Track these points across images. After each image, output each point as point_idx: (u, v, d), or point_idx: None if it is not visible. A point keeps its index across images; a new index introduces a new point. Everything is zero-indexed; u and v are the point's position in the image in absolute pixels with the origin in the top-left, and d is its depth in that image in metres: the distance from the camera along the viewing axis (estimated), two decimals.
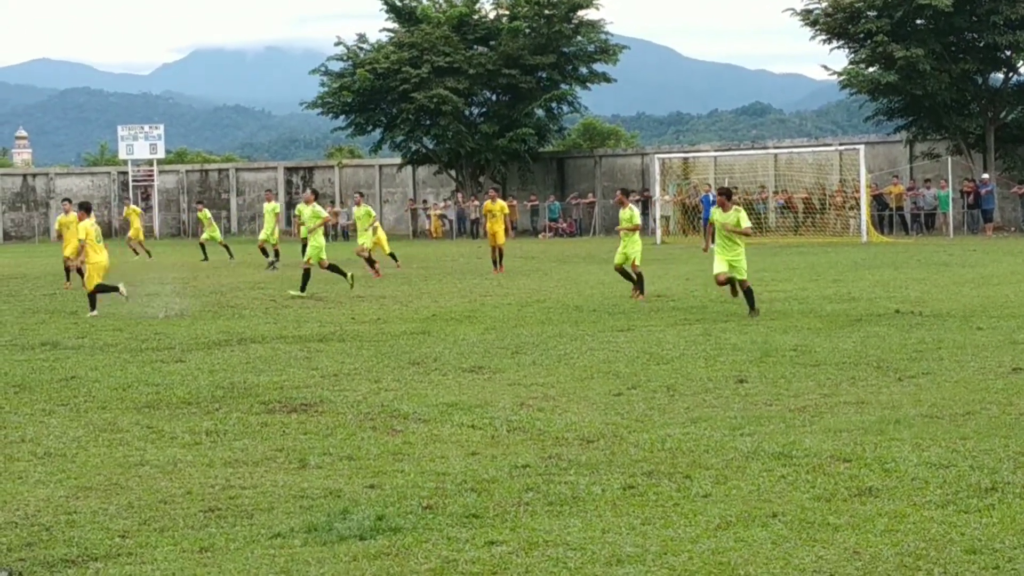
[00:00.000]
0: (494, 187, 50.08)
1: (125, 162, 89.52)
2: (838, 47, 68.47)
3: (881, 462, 11.60)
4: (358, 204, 42.25)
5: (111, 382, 17.84)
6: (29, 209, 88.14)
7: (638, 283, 29.85)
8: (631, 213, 30.60)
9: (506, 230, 40.75)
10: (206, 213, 56.97)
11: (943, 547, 8.89)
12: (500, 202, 41.34)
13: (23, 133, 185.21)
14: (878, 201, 63.95)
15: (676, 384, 16.72)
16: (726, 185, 36.62)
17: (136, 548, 9.45)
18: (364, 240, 40.95)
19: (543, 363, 19.06)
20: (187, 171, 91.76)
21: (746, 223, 25.46)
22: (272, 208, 47.46)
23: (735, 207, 25.82)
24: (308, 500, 10.78)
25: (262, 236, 46.87)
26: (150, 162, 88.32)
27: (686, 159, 74.49)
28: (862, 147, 61.17)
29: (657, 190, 65.21)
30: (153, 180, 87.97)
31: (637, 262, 30.01)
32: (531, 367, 18.69)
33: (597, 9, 79.63)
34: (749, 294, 25.39)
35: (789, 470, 11.43)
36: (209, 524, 10.11)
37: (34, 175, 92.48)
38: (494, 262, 40.64)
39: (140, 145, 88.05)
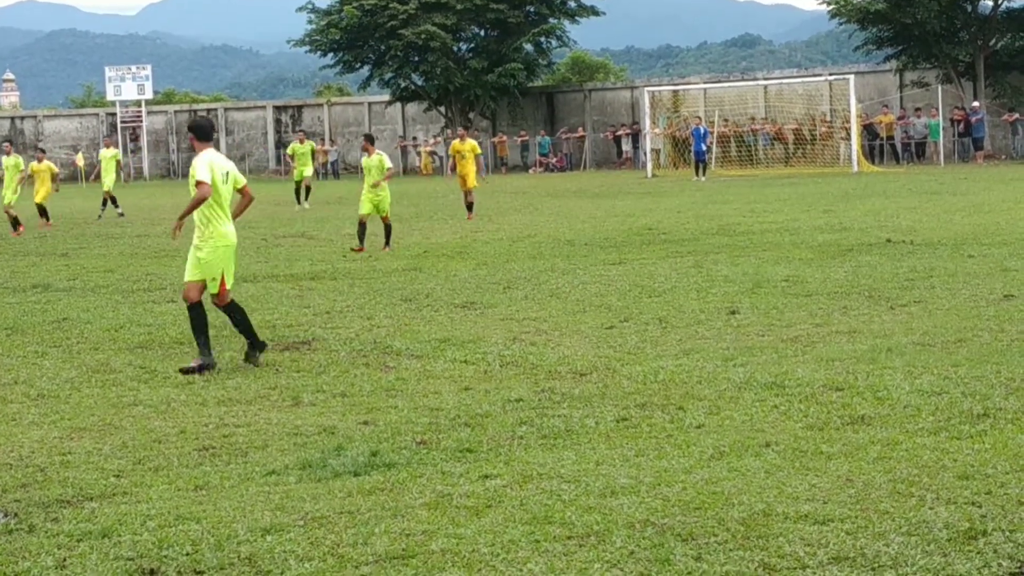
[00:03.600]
0: (463, 125, 49.57)
1: (113, 103, 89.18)
2: None
3: (873, 390, 11.63)
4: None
5: (103, 323, 17.85)
6: (18, 152, 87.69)
7: (387, 234, 27.98)
8: (380, 159, 28.51)
9: (478, 170, 36.70)
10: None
11: (936, 473, 8.92)
12: (470, 141, 37.01)
13: (10, 76, 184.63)
14: (868, 131, 63.88)
15: (668, 316, 16.74)
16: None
17: (131, 487, 9.46)
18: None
19: (535, 297, 19.07)
20: (175, 111, 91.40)
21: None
22: (114, 155, 46.24)
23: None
24: (302, 437, 10.80)
25: (106, 187, 44.44)
26: (138, 103, 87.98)
27: (676, 92, 74.23)
28: (852, 77, 61.01)
29: (647, 123, 65.09)
30: (142, 121, 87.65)
31: (387, 213, 28.30)
32: (523, 302, 18.70)
33: None
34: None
35: (782, 400, 11.45)
36: (203, 463, 10.12)
37: (22, 118, 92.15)
38: (468, 207, 36.31)
39: (128, 86, 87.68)
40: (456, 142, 37.31)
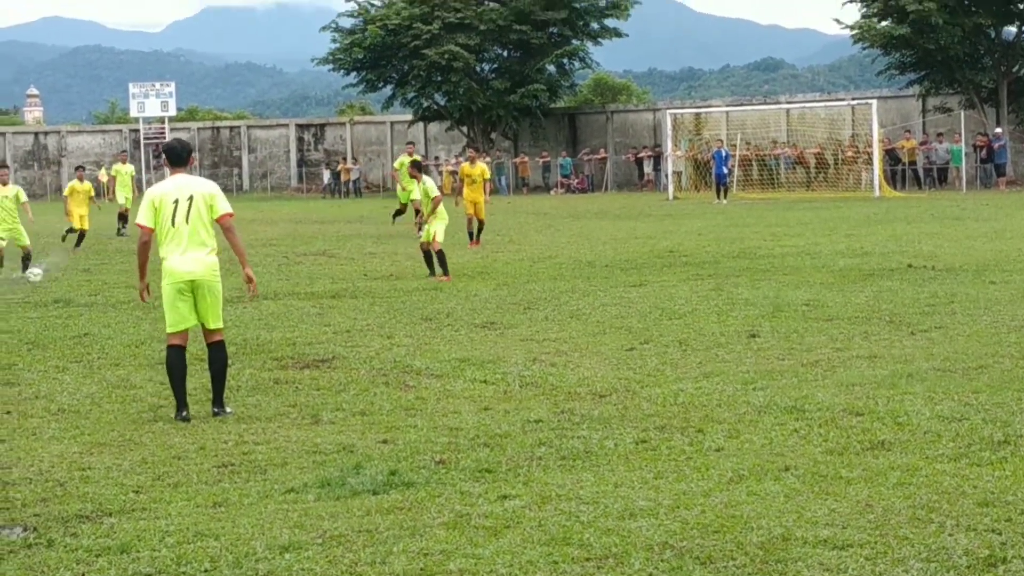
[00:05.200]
0: (474, 147, 47.98)
1: (136, 120, 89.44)
2: (850, 1, 68.20)
3: (894, 416, 11.60)
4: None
5: (124, 339, 17.89)
6: (41, 167, 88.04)
7: (441, 263, 25.83)
8: (426, 187, 26.54)
9: (486, 194, 34.26)
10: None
11: (956, 500, 8.90)
12: (481, 164, 34.90)
13: (34, 91, 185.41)
14: (890, 156, 63.77)
15: (688, 339, 16.72)
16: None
17: (150, 503, 9.48)
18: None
19: (555, 318, 19.07)
20: (199, 128, 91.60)
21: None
22: (129, 172, 45.17)
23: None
24: (321, 455, 10.81)
25: (122, 203, 43.41)
26: (161, 120, 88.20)
27: (698, 114, 74.27)
28: (875, 102, 60.96)
29: (669, 145, 65.03)
30: (164, 138, 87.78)
31: (439, 239, 25.97)
32: (543, 322, 18.70)
33: None
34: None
35: (801, 424, 11.43)
36: (223, 479, 10.14)
37: (45, 133, 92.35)
38: (471, 234, 33.81)
39: (151, 103, 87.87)
40: (465, 165, 35.30)
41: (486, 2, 79.58)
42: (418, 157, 29.50)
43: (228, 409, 12.83)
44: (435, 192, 26.43)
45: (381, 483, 9.74)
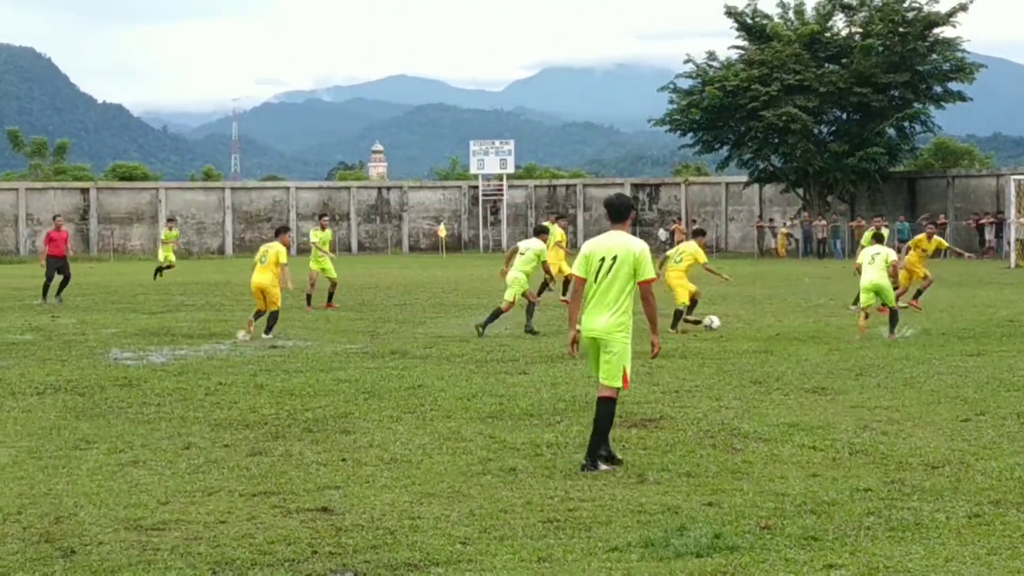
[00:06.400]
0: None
1: (476, 176, 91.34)
2: None
3: None
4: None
5: (456, 392, 18.22)
6: (383, 221, 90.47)
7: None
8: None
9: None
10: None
11: None
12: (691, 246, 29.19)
13: (379, 147, 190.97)
14: None
15: None
16: None
17: (476, 555, 9.62)
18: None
19: (888, 386, 18.71)
20: (535, 186, 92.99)
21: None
22: (327, 237, 37.89)
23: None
24: (646, 515, 10.81)
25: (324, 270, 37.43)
26: (500, 177, 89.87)
27: None
28: None
29: (1012, 212, 63.28)
30: (502, 194, 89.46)
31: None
32: (875, 389, 18.37)
33: (953, 27, 77.91)
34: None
35: None
36: (548, 535, 10.22)
37: (388, 188, 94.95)
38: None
39: (491, 160, 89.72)
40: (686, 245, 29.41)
41: (826, 64, 78.96)
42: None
43: (602, 466, 12.79)
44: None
45: (705, 546, 9.69)
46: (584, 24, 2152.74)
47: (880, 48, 76.85)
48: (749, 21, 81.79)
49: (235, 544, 9.97)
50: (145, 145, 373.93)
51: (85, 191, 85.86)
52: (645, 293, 13.13)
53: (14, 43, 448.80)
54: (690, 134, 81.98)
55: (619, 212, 13.36)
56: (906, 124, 79.49)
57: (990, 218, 73.64)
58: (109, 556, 9.66)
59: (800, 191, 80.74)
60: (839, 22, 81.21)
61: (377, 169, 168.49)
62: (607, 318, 13.01)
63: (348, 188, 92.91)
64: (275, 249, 27.25)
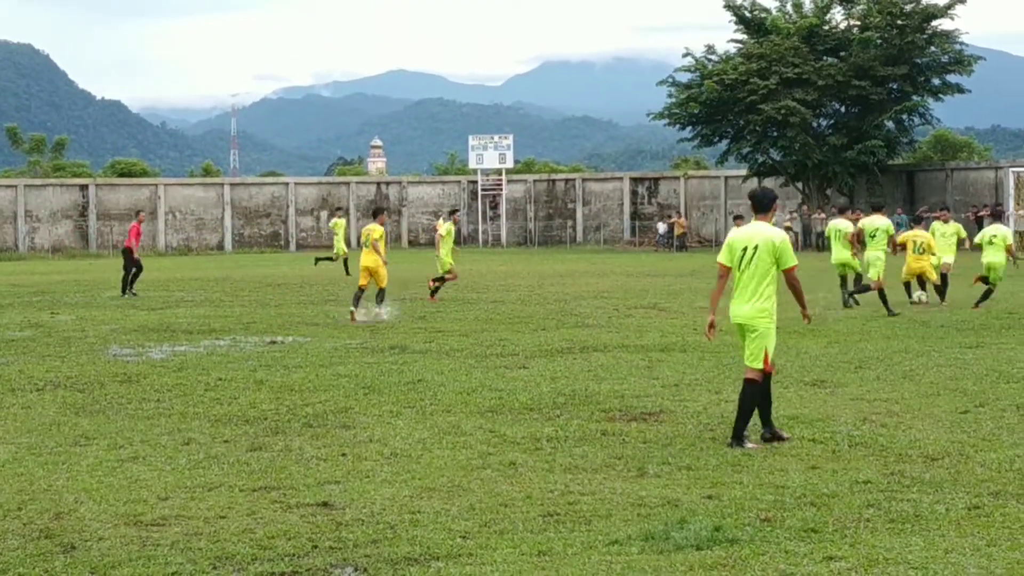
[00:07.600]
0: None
1: (475, 171, 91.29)
2: None
3: None
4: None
5: (456, 386, 18.23)
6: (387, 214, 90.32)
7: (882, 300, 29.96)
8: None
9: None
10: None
11: None
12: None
13: (378, 142, 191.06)
14: None
15: None
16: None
17: (476, 549, 9.62)
18: None
19: (887, 378, 18.72)
20: (534, 180, 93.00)
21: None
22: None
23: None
24: (646, 508, 10.82)
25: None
26: (499, 171, 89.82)
27: None
28: None
29: (1011, 205, 63.29)
30: (501, 189, 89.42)
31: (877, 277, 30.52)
32: (875, 382, 18.37)
33: (952, 20, 77.91)
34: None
35: None
36: (548, 528, 10.23)
37: (387, 183, 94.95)
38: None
39: (489, 155, 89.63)
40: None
41: (824, 57, 78.96)
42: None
43: (747, 444, 13.49)
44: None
45: (705, 538, 9.70)
46: (582, 18, 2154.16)
47: (878, 41, 76.85)
48: (748, 14, 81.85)
49: (235, 539, 9.98)
50: (144, 141, 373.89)
51: (84, 188, 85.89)
52: (790, 280, 14.03)
53: (12, 39, 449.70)
54: (689, 128, 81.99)
55: (762, 203, 14.16)
56: (905, 117, 79.49)
57: (988, 210, 73.54)
58: (109, 552, 9.67)
59: (799, 184, 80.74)
60: (837, 15, 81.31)
61: (376, 164, 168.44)
62: (750, 305, 13.91)
63: (347, 183, 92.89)
64: (368, 228, 30.05)
